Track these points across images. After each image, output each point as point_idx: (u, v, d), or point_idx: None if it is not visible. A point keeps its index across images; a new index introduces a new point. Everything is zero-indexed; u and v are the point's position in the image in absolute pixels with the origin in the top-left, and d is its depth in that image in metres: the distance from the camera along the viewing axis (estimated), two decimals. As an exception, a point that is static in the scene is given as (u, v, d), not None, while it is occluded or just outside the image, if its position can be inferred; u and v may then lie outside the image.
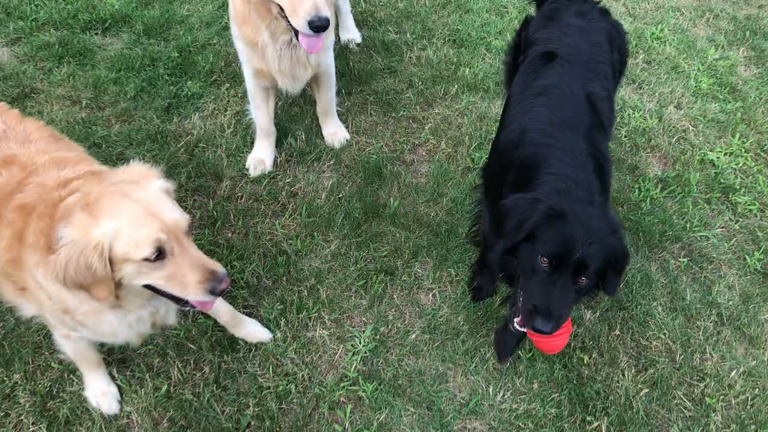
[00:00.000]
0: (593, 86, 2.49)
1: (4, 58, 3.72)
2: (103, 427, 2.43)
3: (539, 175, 2.23)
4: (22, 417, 2.45)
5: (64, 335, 2.30)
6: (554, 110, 2.41)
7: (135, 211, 1.87)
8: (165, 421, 2.47)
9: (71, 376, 2.56)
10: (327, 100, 3.36)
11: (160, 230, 1.87)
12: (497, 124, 2.86)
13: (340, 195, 3.20)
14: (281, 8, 2.61)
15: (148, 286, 1.97)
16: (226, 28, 3.91)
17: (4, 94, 3.48)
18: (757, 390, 2.69)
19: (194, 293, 1.96)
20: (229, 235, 3.03)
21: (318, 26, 2.53)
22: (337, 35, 3.85)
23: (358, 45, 3.99)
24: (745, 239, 3.22)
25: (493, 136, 2.91)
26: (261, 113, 3.25)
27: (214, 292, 1.96)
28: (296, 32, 2.64)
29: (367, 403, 2.55)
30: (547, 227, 2.07)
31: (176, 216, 1.93)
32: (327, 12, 2.54)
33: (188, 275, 1.94)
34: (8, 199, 2.00)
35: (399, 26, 4.15)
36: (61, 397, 2.51)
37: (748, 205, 3.35)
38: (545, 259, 2.05)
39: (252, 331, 2.70)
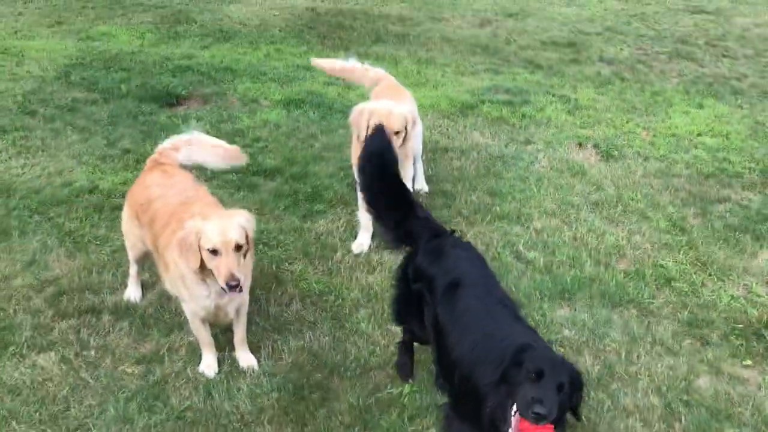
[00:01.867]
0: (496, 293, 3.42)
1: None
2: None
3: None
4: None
5: (188, 310, 3.82)
6: (484, 319, 3.20)
7: (218, 225, 3.46)
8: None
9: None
10: None
11: (220, 239, 3.42)
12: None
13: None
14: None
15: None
16: (341, 180, 6.09)
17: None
18: None
19: (221, 281, 3.41)
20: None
21: None
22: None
23: (426, 193, 6.06)
24: (676, 302, 4.84)
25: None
26: (364, 216, 5.25)
27: (228, 285, 3.40)
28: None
29: None
30: (527, 354, 2.78)
31: (232, 236, 3.43)
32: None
33: (222, 270, 3.41)
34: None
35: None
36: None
37: (683, 289, 4.99)
38: (533, 375, 2.69)
39: (243, 357, 4.03)
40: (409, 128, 4.93)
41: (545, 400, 2.62)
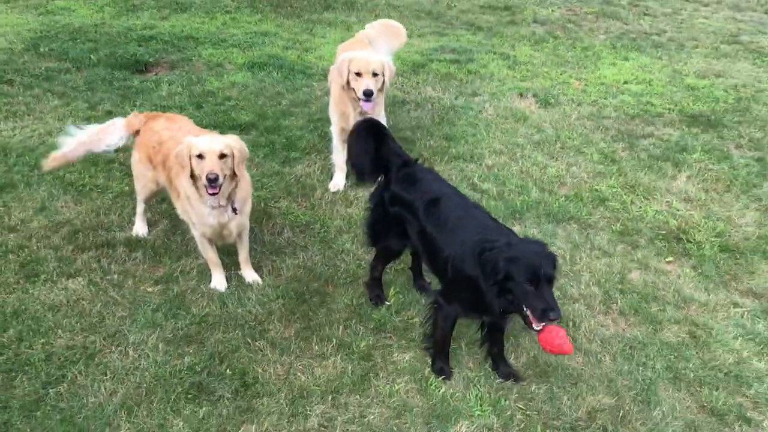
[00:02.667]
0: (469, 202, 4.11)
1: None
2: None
3: (491, 254, 3.50)
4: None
5: (196, 233, 4.41)
6: (466, 221, 3.87)
7: (206, 138, 4.09)
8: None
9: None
10: None
11: (207, 147, 4.00)
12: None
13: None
14: (355, 92, 5.42)
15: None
16: (312, 131, 6.72)
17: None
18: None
19: (203, 178, 3.96)
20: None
21: (366, 94, 5.31)
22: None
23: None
24: (610, 217, 5.69)
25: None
26: (338, 156, 5.91)
27: (208, 179, 3.94)
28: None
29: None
30: (516, 266, 3.41)
31: (215, 146, 4.02)
32: (372, 87, 5.32)
33: (205, 168, 3.94)
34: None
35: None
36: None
37: (616, 207, 5.85)
38: (529, 285, 3.36)
39: (248, 274, 4.65)
40: (386, 73, 5.56)
41: (553, 305, 3.33)
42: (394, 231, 4.28)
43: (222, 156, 4.06)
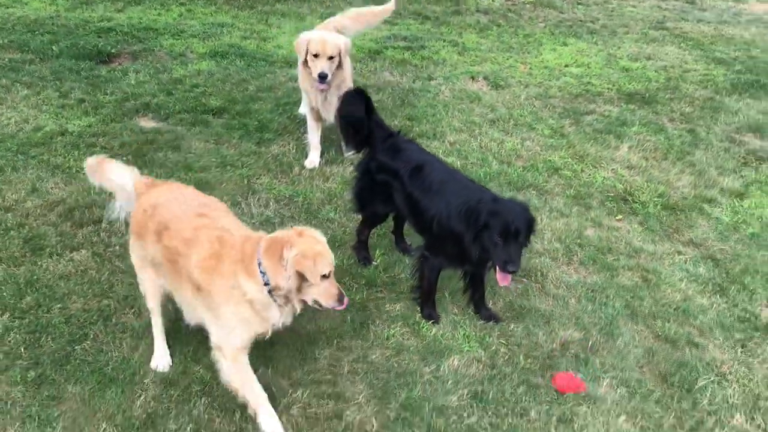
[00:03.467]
0: (450, 168, 4.64)
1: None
2: None
3: (476, 205, 4.00)
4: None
5: (232, 356, 3.39)
6: (450, 185, 4.31)
7: (309, 246, 3.29)
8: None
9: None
10: None
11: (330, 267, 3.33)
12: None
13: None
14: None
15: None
16: (281, 114, 7.07)
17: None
18: (567, 228, 5.59)
19: (330, 302, 3.35)
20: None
21: (321, 77, 5.72)
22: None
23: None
24: (564, 184, 6.27)
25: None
26: (313, 135, 6.29)
27: (340, 300, 3.36)
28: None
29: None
30: (494, 220, 3.92)
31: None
32: (327, 71, 5.72)
33: (333, 290, 3.35)
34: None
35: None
36: None
37: (568, 175, 6.44)
38: (499, 237, 3.85)
39: None
40: (342, 54, 5.92)
41: (514, 259, 3.87)
42: (380, 197, 4.71)
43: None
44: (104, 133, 6.44)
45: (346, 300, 3.41)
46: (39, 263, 4.63)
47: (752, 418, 3.89)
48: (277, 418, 3.50)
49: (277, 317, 3.41)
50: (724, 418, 3.87)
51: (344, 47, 5.94)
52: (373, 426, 3.63)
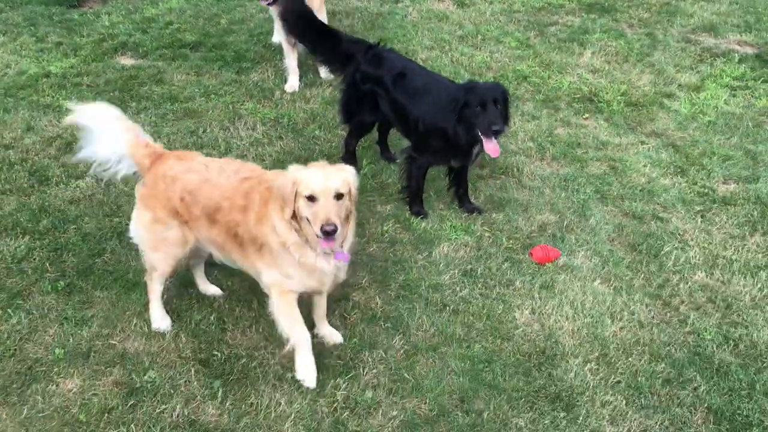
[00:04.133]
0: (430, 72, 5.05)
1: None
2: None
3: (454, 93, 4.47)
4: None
5: (280, 292, 3.37)
6: (432, 86, 4.69)
7: (319, 173, 3.21)
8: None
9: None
10: None
11: (319, 188, 3.14)
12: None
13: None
14: None
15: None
16: (256, 44, 7.28)
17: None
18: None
19: (316, 227, 3.11)
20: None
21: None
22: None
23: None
24: (533, 90, 6.62)
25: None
26: (290, 60, 6.53)
27: (324, 231, 3.10)
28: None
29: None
30: (471, 95, 4.36)
31: (329, 185, 3.14)
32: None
33: (320, 215, 3.10)
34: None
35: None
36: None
37: (536, 81, 6.79)
38: (479, 108, 4.30)
39: (325, 330, 3.80)
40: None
41: (496, 121, 4.24)
42: (366, 107, 5.03)
43: (339, 196, 3.22)
44: (87, 72, 6.61)
45: (335, 235, 3.18)
46: (47, 192, 4.90)
47: (711, 274, 4.38)
48: (313, 366, 3.47)
49: (319, 263, 3.36)
50: (687, 275, 4.35)
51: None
52: (377, 303, 4.05)
